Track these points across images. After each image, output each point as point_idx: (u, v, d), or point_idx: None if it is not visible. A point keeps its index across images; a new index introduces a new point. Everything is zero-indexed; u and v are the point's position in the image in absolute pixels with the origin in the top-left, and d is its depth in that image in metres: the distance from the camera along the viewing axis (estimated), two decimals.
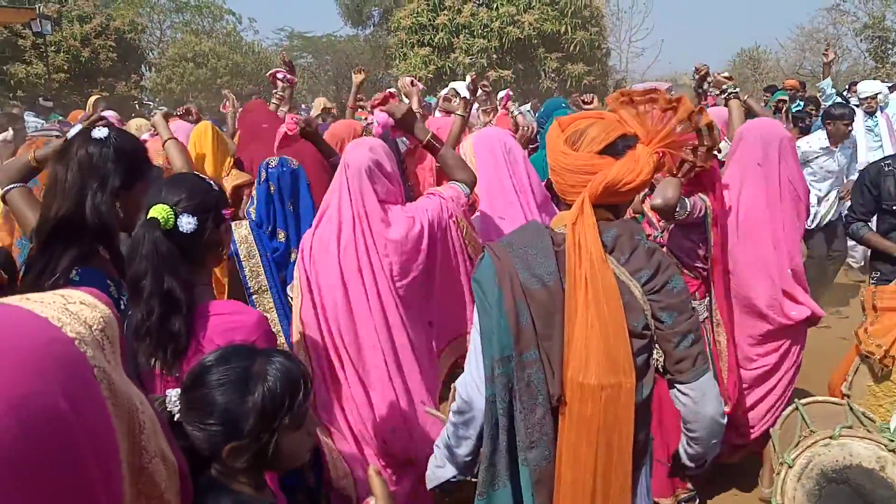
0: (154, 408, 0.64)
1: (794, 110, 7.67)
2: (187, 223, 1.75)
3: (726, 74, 3.91)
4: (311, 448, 1.51)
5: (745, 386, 3.23)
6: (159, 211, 1.73)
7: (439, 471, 1.88)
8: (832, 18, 24.08)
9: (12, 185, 2.22)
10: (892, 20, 21.62)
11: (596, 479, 1.61)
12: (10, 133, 4.78)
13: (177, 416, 1.35)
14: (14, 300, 0.57)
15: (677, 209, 2.84)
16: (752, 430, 3.28)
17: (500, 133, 3.29)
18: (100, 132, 1.93)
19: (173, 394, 1.39)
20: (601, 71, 18.08)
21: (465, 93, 4.00)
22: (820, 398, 2.85)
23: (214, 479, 1.38)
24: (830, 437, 2.42)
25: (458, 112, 3.73)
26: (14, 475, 0.44)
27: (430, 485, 1.92)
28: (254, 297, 3.11)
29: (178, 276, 1.71)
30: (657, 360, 1.64)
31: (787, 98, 7.36)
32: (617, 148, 1.60)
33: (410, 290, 2.63)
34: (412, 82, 4.82)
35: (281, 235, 3.21)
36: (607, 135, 1.60)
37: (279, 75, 4.80)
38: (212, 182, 1.91)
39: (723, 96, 3.84)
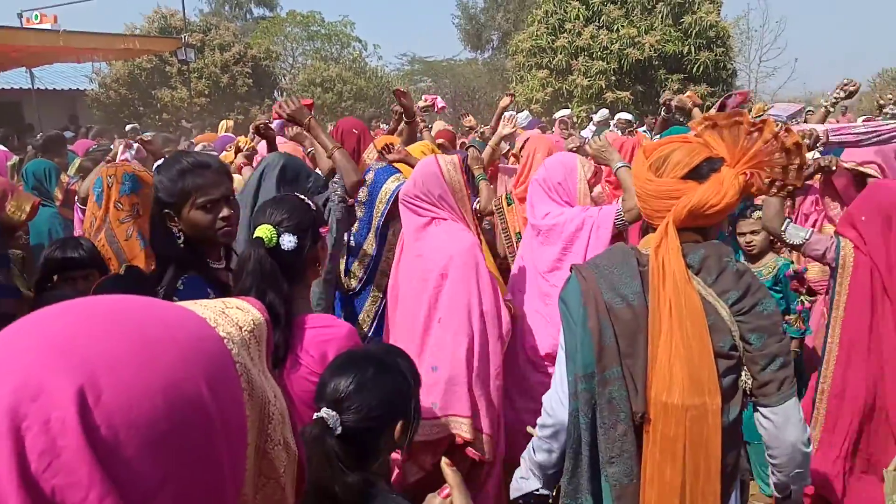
0: (285, 404, 0.77)
1: None
2: (288, 241, 1.86)
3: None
4: None
5: None
6: (264, 231, 1.85)
7: (524, 482, 1.93)
8: None
9: None
10: None
11: (683, 501, 1.61)
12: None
13: (338, 430, 1.45)
14: (186, 304, 0.72)
15: (784, 230, 2.75)
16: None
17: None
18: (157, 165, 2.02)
19: (329, 414, 1.47)
20: (726, 91, 17.42)
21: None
22: None
23: (371, 481, 1.44)
24: None
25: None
26: (157, 444, 0.57)
27: (513, 495, 1.97)
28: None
29: (279, 291, 1.83)
30: (745, 382, 1.63)
31: None
32: (701, 171, 1.61)
33: None
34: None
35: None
36: (691, 159, 1.62)
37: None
38: (310, 202, 2.02)
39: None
